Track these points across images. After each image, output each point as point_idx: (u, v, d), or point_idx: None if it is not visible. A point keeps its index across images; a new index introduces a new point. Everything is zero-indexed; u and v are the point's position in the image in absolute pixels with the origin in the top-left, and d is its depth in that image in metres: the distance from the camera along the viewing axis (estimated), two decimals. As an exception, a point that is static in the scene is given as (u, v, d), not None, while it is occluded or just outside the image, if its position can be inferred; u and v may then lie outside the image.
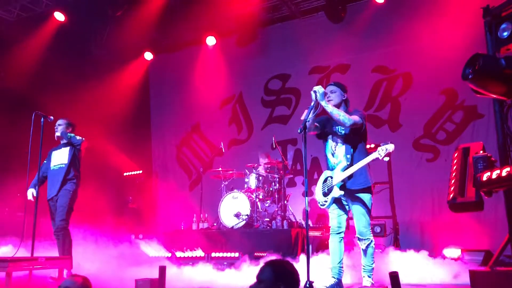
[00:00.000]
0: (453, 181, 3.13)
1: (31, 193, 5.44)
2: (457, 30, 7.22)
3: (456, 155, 3.26)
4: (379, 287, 4.05)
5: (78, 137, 5.46)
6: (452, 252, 6.08)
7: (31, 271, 4.57)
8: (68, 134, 5.47)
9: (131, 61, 10.13)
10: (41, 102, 7.13)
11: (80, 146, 5.45)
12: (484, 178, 2.78)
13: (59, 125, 5.56)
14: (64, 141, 5.57)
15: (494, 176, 2.69)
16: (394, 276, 3.26)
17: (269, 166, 7.56)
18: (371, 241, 4.13)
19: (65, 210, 5.25)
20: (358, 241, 4.17)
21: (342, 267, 4.24)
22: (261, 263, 5.56)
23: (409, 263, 5.28)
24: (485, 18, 3.12)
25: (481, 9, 3.63)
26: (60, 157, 5.51)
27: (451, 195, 3.00)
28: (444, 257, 5.80)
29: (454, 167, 3.20)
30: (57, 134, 5.55)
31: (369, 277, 4.11)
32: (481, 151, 3.03)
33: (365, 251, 4.13)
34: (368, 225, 4.12)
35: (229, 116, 9.92)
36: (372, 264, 4.14)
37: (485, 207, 3.35)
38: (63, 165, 5.45)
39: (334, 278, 4.19)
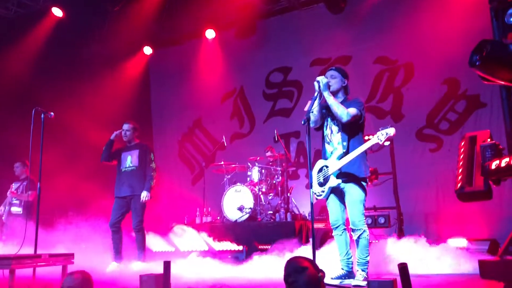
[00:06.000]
0: (460, 170, 3.07)
1: (114, 134, 6.11)
2: (459, 18, 7.14)
3: (462, 143, 3.20)
4: (388, 279, 4.00)
5: (151, 183, 5.92)
6: (457, 242, 6.04)
7: (34, 268, 4.54)
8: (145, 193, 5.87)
9: (131, 56, 10.03)
10: (41, 98, 7.07)
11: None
12: (493, 167, 2.72)
13: (127, 130, 6.10)
14: (133, 143, 6.15)
15: (503, 164, 2.64)
16: (403, 268, 3.22)
17: (271, 159, 7.52)
18: (364, 231, 3.98)
19: (143, 211, 5.89)
20: (352, 232, 4.06)
21: (351, 258, 4.15)
22: (265, 255, 5.60)
23: (413, 252, 5.25)
24: (491, 3, 3.05)
25: (486, -5, 3.56)
26: (130, 160, 6.03)
27: (459, 184, 2.95)
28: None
29: (461, 156, 3.14)
30: (126, 139, 6.14)
31: (363, 271, 3.97)
32: (489, 139, 2.98)
33: (357, 242, 4.01)
34: (362, 215, 3.99)
35: (230, 110, 9.87)
36: (366, 257, 3.99)
37: (491, 197, 3.32)
38: (134, 168, 5.98)
39: (343, 270, 4.14)
